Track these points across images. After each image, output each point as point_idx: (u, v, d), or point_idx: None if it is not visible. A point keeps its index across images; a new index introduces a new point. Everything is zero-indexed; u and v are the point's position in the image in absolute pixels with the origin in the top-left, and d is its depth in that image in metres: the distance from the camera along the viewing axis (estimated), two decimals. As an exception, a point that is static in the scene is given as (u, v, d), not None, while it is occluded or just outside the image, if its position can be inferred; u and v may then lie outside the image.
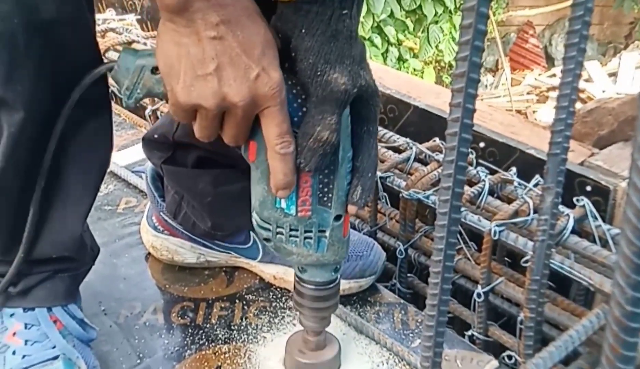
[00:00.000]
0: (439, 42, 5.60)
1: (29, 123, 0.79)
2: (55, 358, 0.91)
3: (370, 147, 0.79)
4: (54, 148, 0.83)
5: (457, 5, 5.44)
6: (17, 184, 0.85)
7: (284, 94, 0.70)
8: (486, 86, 6.78)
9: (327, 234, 0.83)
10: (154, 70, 0.74)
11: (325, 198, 0.81)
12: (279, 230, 0.84)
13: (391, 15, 5.19)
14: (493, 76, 7.08)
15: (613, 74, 5.80)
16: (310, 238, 0.83)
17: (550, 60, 7.34)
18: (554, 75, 6.13)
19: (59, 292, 0.94)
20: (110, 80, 0.82)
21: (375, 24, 5.11)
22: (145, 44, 1.74)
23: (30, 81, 0.77)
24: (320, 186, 0.80)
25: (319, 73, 0.70)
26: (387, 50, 5.30)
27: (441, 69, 6.23)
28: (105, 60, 0.84)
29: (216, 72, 0.66)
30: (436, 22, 5.56)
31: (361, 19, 4.88)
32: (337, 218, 0.82)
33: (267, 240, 0.85)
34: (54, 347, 0.92)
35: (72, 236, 0.92)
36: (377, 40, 5.16)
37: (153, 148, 1.16)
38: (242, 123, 0.72)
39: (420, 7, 5.32)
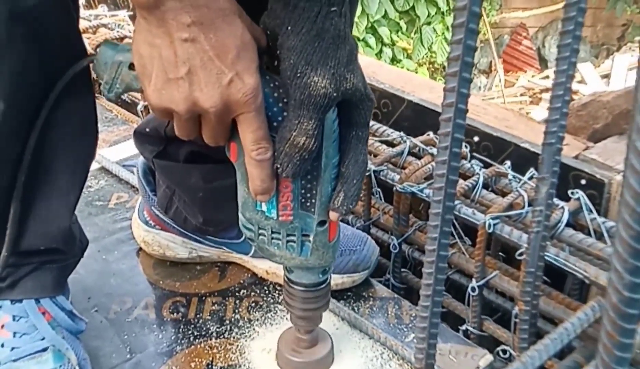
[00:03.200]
0: (432, 43, 5.61)
1: (11, 114, 0.78)
2: (45, 349, 0.90)
3: (358, 152, 0.75)
4: (37, 139, 0.82)
5: (450, 7, 5.45)
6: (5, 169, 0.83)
7: (259, 100, 0.67)
8: (480, 88, 6.79)
9: (310, 239, 0.81)
10: (132, 66, 0.73)
11: (308, 204, 0.78)
12: (261, 231, 0.82)
13: (385, 15, 5.19)
14: (486, 78, 7.09)
15: (606, 76, 5.83)
16: (294, 241, 0.81)
17: (543, 62, 7.37)
18: (547, 76, 6.15)
19: (47, 283, 0.93)
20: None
21: (370, 25, 5.11)
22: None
23: (12, 72, 0.75)
24: (303, 191, 0.77)
25: (298, 74, 0.66)
26: (381, 51, 5.31)
27: (435, 71, 6.24)
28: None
29: (187, 76, 0.64)
30: (429, 23, 5.57)
31: (356, 19, 4.90)
32: (322, 223, 0.80)
33: (251, 239, 0.84)
34: (43, 339, 0.91)
35: (60, 228, 0.90)
36: (372, 40, 5.17)
37: (145, 141, 1.14)
38: (217, 127, 0.70)
39: (413, 8, 5.33)
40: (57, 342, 0.91)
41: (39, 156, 0.84)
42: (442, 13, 5.62)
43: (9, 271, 0.90)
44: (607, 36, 7.76)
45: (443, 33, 5.62)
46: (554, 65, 0.78)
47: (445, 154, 0.63)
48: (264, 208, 0.79)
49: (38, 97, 0.80)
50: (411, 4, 5.28)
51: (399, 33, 5.45)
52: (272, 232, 0.81)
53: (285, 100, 0.70)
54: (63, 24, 0.79)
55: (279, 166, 0.71)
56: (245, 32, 0.66)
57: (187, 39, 0.63)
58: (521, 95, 5.90)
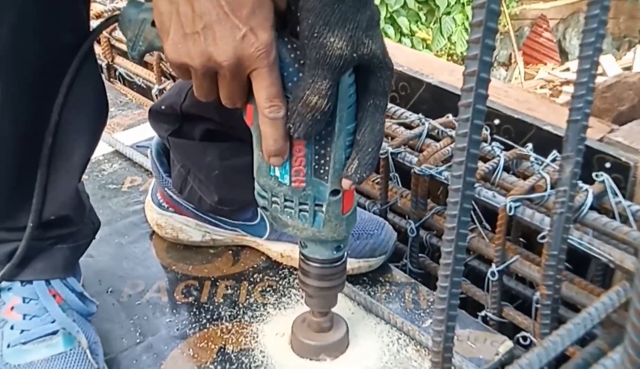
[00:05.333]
0: (452, 34, 5.56)
1: (16, 71, 0.77)
2: (55, 332, 0.89)
3: (375, 121, 0.75)
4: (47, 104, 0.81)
5: (470, -3, 5.40)
6: (8, 145, 0.82)
7: (272, 56, 0.67)
8: (499, 80, 6.72)
9: (323, 209, 0.80)
10: (154, 23, 0.72)
11: (321, 171, 0.77)
12: (274, 199, 0.81)
13: (404, 5, 5.16)
14: (506, 70, 7.01)
15: (628, 68, 5.74)
16: (306, 211, 0.80)
17: (564, 54, 7.26)
18: (568, 69, 6.07)
19: (58, 264, 0.91)
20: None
21: (389, 15, 5.07)
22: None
23: (12, 26, 0.73)
24: (316, 157, 0.76)
25: (315, 34, 0.67)
26: (400, 41, 5.26)
27: (454, 62, 6.19)
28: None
29: (203, 31, 0.65)
30: (448, 13, 5.52)
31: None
32: (335, 192, 0.78)
33: (264, 208, 0.83)
34: (53, 321, 0.89)
35: (68, 192, 0.89)
36: (390, 30, 5.13)
37: (160, 120, 1.13)
38: (233, 85, 0.70)
39: (433, -3, 5.29)
40: (68, 325, 0.89)
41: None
42: (462, 4, 5.57)
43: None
44: (629, 28, 7.64)
45: (463, 23, 5.55)
46: (574, 57, 0.75)
47: (466, 127, 0.61)
48: (277, 173, 0.78)
49: (41, 53, 0.79)
50: (430, -6, 5.25)
51: (418, 23, 5.41)
52: (285, 200, 0.80)
53: (302, 61, 0.70)
54: None
55: (291, 126, 0.71)
56: None
57: None
58: (541, 87, 5.84)
